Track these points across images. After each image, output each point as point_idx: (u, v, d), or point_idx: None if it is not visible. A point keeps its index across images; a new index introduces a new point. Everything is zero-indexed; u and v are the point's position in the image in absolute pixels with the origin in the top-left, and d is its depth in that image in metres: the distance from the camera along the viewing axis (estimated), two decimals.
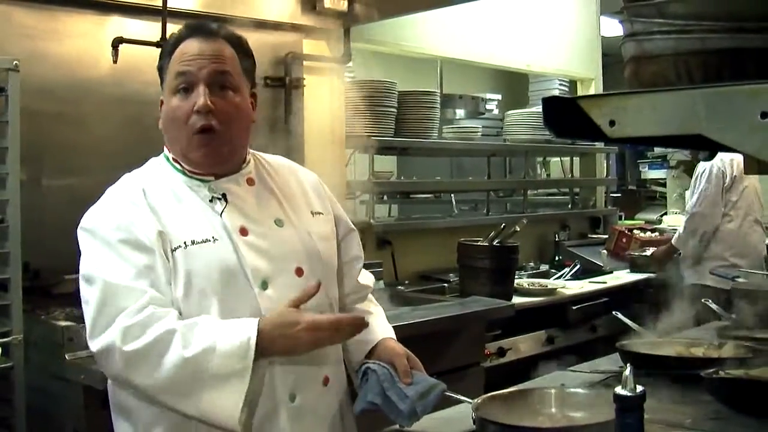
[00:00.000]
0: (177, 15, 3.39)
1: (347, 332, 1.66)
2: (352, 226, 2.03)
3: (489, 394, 1.84)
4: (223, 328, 1.57)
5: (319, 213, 1.89)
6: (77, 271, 1.69)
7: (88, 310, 1.63)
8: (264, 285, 1.69)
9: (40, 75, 3.03)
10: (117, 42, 3.20)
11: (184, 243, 1.66)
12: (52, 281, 2.89)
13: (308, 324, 1.56)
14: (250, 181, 1.80)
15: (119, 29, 3.27)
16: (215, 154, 1.73)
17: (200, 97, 1.68)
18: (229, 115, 1.72)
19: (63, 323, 2.58)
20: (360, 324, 1.65)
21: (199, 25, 1.80)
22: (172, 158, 1.79)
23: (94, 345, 1.59)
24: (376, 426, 1.85)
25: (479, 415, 1.69)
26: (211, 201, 1.73)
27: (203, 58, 1.71)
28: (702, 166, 4.94)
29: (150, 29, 3.31)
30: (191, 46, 1.73)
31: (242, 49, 1.80)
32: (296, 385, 1.71)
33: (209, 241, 1.67)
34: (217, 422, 1.55)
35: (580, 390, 1.87)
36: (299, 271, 1.76)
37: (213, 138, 1.70)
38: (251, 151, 1.87)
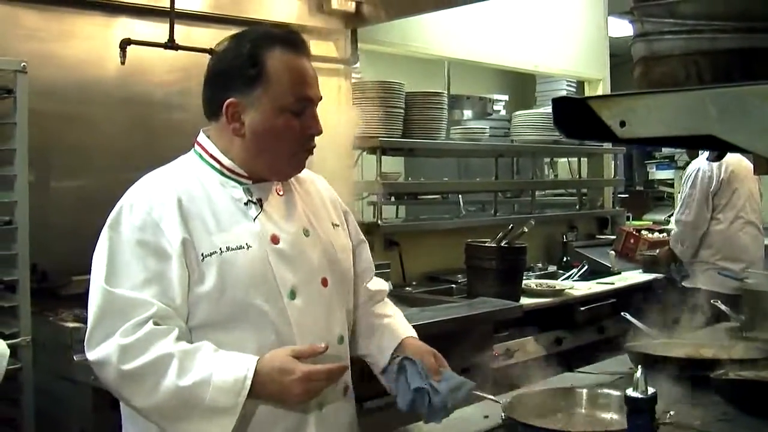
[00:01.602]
0: (184, 16, 3.40)
1: (335, 380, 1.67)
2: (363, 237, 2.07)
3: (517, 392, 1.84)
4: (221, 360, 1.57)
5: (337, 225, 1.92)
6: (85, 273, 1.68)
7: (89, 316, 1.63)
8: (292, 294, 1.71)
9: (47, 76, 3.04)
10: (124, 43, 3.20)
11: (220, 249, 1.65)
12: (60, 282, 2.90)
13: (303, 375, 1.57)
14: (280, 190, 1.81)
15: (127, 30, 3.27)
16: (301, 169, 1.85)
17: (317, 123, 1.76)
18: None
19: (71, 324, 2.59)
20: (344, 370, 1.70)
21: (298, 39, 1.77)
22: (209, 155, 1.77)
23: (91, 355, 1.60)
24: (384, 428, 1.84)
25: (508, 415, 1.70)
26: (245, 204, 1.73)
27: (315, 83, 1.76)
28: (688, 171, 4.85)
29: (158, 30, 3.32)
30: (304, 66, 1.74)
31: None
32: (325, 395, 1.73)
33: (243, 248, 1.67)
34: None
35: (611, 391, 1.86)
36: (324, 282, 1.78)
37: (307, 157, 1.81)
38: None
